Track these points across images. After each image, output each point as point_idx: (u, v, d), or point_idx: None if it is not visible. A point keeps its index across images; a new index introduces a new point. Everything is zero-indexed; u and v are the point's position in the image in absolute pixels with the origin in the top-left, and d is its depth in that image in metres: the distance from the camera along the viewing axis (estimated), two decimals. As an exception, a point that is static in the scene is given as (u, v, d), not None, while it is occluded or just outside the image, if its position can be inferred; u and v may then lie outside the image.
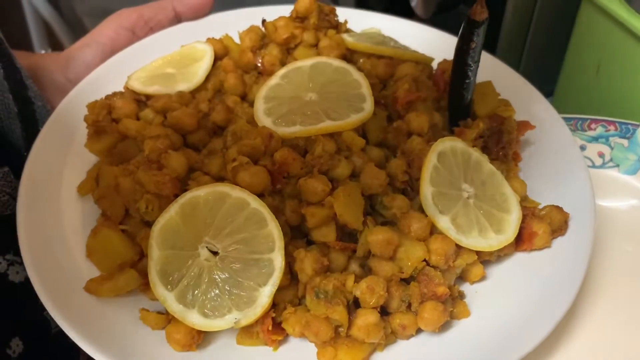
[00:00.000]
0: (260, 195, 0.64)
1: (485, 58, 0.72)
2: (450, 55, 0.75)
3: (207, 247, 0.60)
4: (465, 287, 0.68)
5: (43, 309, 0.59)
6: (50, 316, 0.59)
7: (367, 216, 0.66)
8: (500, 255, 0.69)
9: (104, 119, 0.75)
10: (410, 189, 0.69)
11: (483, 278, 0.68)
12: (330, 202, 0.62)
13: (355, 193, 0.65)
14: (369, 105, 0.72)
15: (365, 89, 0.73)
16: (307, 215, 0.62)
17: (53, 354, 0.72)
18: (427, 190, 0.65)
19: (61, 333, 0.59)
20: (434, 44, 0.89)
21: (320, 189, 0.62)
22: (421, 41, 0.89)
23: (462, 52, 0.71)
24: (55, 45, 1.62)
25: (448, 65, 0.79)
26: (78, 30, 1.56)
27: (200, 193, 0.62)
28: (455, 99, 0.76)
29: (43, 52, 1.46)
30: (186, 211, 0.62)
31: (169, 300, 0.59)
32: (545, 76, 1.09)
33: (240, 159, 0.64)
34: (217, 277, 0.60)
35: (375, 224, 0.65)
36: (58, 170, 0.74)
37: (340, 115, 0.69)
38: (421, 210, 0.65)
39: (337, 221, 0.64)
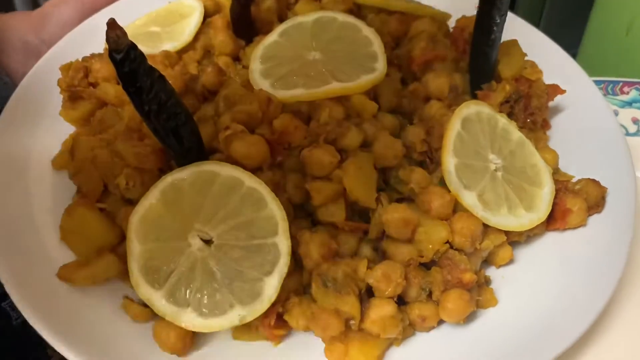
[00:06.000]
0: (258, 170, 0.58)
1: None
2: (468, 12, 0.69)
3: (198, 235, 0.55)
4: (491, 272, 0.62)
5: (1, 299, 0.52)
6: (10, 306, 0.53)
7: (380, 192, 0.60)
8: (529, 235, 0.63)
9: (80, 83, 0.70)
10: (429, 160, 0.63)
11: (511, 261, 0.62)
12: (338, 176, 0.58)
13: (367, 165, 0.59)
14: (381, 65, 0.65)
15: (377, 46, 0.67)
16: (312, 191, 0.58)
17: (16, 347, 0.67)
18: (450, 162, 0.58)
19: (25, 324, 0.53)
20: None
21: (327, 161, 0.57)
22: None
23: (488, 3, 0.63)
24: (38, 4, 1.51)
25: (468, 22, 0.72)
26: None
27: (182, 175, 0.56)
28: (478, 58, 0.69)
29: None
30: (169, 197, 0.55)
31: (157, 300, 0.53)
32: (568, 37, 1.01)
33: (235, 127, 0.59)
34: (213, 269, 0.53)
35: (390, 201, 0.59)
36: (27, 141, 0.68)
37: (349, 77, 0.64)
38: (443, 184, 0.59)
39: (347, 198, 0.58)
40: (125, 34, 0.47)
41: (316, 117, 0.62)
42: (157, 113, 0.52)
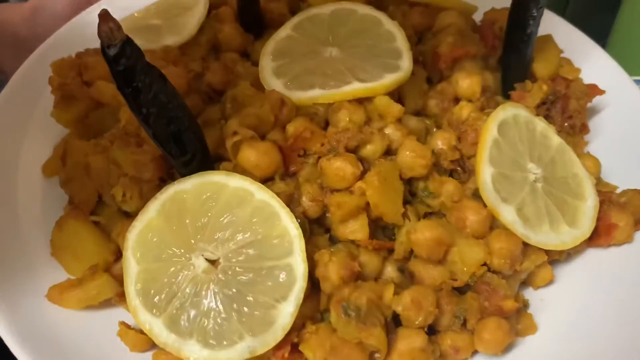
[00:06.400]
0: (270, 180, 0.54)
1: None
2: (497, 3, 0.66)
3: (203, 255, 0.51)
4: (528, 293, 0.57)
5: None
6: None
7: (406, 206, 0.55)
8: (570, 252, 0.58)
9: (74, 82, 0.66)
10: (461, 170, 0.58)
11: (550, 282, 0.57)
12: (360, 189, 0.54)
13: (392, 176, 0.54)
14: (406, 63, 0.61)
15: (401, 41, 0.62)
16: (330, 205, 0.54)
17: None
18: (486, 172, 0.54)
19: None
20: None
21: (349, 172, 0.54)
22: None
23: (525, -6, 0.58)
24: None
25: (498, 15, 0.69)
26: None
27: (186, 186, 0.52)
28: (512, 55, 0.65)
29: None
30: (170, 211, 0.52)
31: (157, 328, 0.49)
32: (595, 28, 0.96)
33: (244, 133, 0.56)
34: (220, 294, 0.49)
35: (418, 216, 0.55)
36: (15, 145, 0.65)
37: (372, 76, 0.60)
38: (478, 197, 0.55)
39: (370, 213, 0.54)
40: (119, 27, 0.41)
41: (335, 122, 0.58)
42: (157, 116, 0.47)
